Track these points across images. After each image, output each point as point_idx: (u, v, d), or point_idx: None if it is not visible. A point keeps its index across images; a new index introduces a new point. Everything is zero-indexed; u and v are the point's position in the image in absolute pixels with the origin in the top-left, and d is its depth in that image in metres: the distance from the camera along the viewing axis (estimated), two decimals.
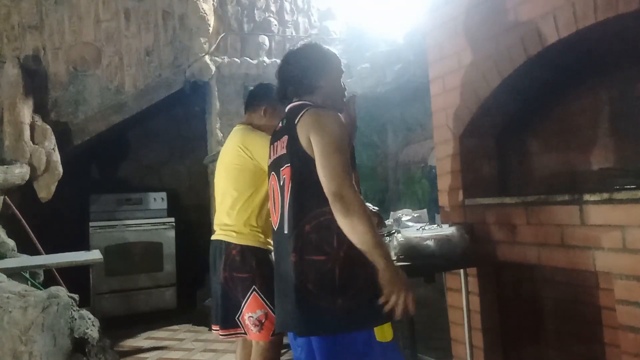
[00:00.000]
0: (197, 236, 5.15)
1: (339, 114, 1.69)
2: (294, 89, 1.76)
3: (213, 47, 4.66)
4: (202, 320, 4.55)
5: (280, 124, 1.79)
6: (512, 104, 2.40)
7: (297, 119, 1.62)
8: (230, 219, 2.31)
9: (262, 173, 2.23)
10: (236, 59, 4.74)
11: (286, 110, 1.76)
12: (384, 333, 1.56)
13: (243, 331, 2.27)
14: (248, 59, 4.77)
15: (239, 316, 2.24)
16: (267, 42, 4.92)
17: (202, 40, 4.57)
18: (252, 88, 2.54)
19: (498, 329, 2.31)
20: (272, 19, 4.99)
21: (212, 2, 4.71)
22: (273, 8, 5.02)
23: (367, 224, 1.47)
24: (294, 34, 5.09)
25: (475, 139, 2.45)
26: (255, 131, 2.34)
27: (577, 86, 2.27)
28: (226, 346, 3.81)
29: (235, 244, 2.27)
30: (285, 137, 1.67)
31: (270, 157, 1.83)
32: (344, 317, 1.51)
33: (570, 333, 2.15)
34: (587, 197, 1.91)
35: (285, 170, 1.65)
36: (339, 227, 1.50)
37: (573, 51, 2.04)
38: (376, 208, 2.61)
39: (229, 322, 2.27)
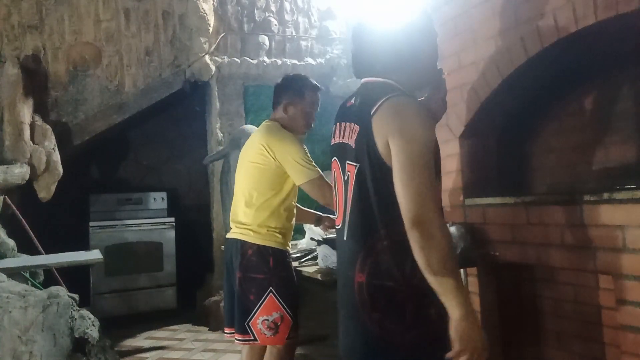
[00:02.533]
0: (197, 236, 5.15)
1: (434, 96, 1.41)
2: (378, 64, 1.40)
3: (213, 47, 4.66)
4: (202, 320, 4.55)
5: (352, 99, 1.47)
6: (512, 104, 2.40)
7: (374, 110, 1.30)
8: (247, 218, 2.21)
9: (284, 174, 2.17)
10: (236, 59, 4.74)
11: (362, 82, 1.45)
12: None
13: (252, 338, 2.16)
14: (248, 58, 4.77)
15: (249, 321, 2.14)
16: (267, 42, 4.92)
17: (202, 40, 4.57)
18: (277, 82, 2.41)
19: (498, 328, 2.31)
20: (272, 19, 4.99)
21: (212, 2, 4.70)
22: (273, 8, 5.02)
23: (448, 262, 1.21)
24: (294, 34, 5.09)
25: (475, 139, 2.45)
26: (281, 130, 2.23)
27: (577, 86, 2.27)
28: (226, 346, 3.81)
29: (252, 244, 2.18)
30: (357, 128, 1.35)
31: (334, 136, 1.51)
32: (413, 356, 1.29)
33: (570, 333, 2.15)
34: (587, 197, 1.91)
35: (351, 168, 1.37)
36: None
37: (573, 51, 2.04)
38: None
39: (240, 327, 2.18)
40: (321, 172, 2.18)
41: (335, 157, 1.49)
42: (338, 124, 1.50)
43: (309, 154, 2.20)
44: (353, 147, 1.36)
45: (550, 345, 2.25)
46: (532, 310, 2.30)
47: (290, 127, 2.27)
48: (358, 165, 1.35)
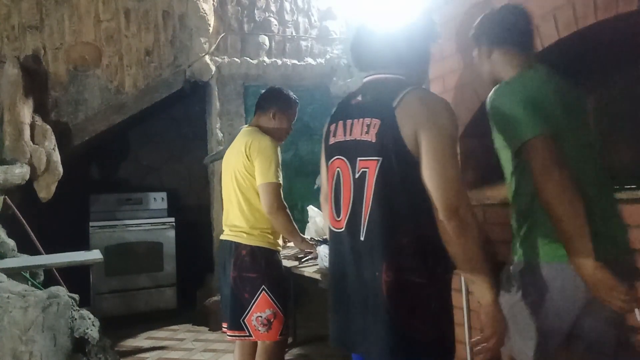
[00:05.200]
0: (197, 236, 5.15)
1: None
2: (383, 58, 1.40)
3: (213, 47, 4.66)
4: (202, 320, 4.55)
5: (359, 97, 1.43)
6: None
7: (397, 102, 1.29)
8: (239, 221, 2.31)
9: None
10: (236, 59, 4.74)
11: (369, 79, 1.44)
12: None
13: (247, 334, 2.26)
14: (248, 59, 4.77)
15: (244, 318, 2.24)
16: (267, 42, 4.92)
17: (202, 40, 4.57)
18: (263, 91, 2.53)
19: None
20: (272, 19, 4.99)
21: (212, 2, 4.70)
22: (273, 8, 5.02)
23: (481, 249, 1.27)
24: (294, 34, 5.09)
25: (475, 139, 2.45)
26: (263, 136, 2.32)
27: (577, 86, 2.27)
28: (226, 346, 3.81)
29: (245, 245, 2.27)
30: (376, 122, 1.31)
31: (334, 136, 1.47)
32: (431, 350, 1.30)
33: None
34: None
35: (370, 164, 1.32)
36: (442, 247, 1.28)
37: (573, 51, 2.04)
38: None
39: (235, 323, 2.27)
40: (281, 185, 2.26)
41: (338, 156, 1.44)
42: (341, 122, 1.45)
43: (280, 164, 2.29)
44: (373, 141, 1.31)
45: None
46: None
47: (273, 133, 2.37)
48: (381, 159, 1.30)
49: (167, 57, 4.57)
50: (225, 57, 4.74)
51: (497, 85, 1.52)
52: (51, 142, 3.93)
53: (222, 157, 4.02)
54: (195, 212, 5.43)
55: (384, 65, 1.41)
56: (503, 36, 1.56)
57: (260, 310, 2.22)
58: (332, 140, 1.48)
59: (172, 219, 5.10)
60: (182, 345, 4.00)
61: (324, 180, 1.58)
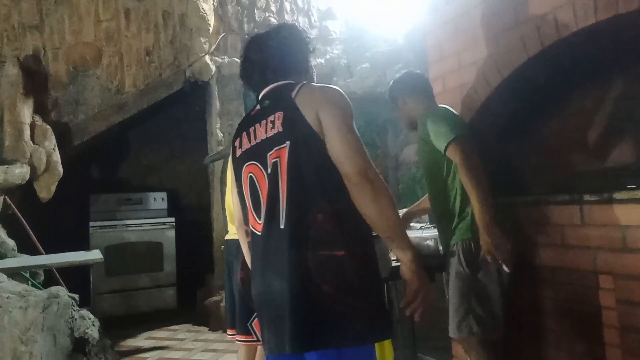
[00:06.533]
0: (197, 236, 5.15)
1: None
2: (278, 70, 1.50)
3: (213, 47, 4.66)
4: (202, 320, 4.54)
5: (257, 107, 1.52)
6: (512, 104, 2.40)
7: (295, 93, 1.39)
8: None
9: None
10: (236, 59, 4.74)
11: (265, 91, 1.51)
12: (384, 353, 1.40)
13: (255, 339, 2.16)
14: None
15: (251, 322, 2.15)
16: None
17: (202, 40, 4.57)
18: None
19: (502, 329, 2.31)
20: (272, 19, 4.99)
21: (212, 2, 4.71)
22: (273, 8, 5.02)
23: (396, 209, 1.31)
24: None
25: (475, 139, 2.45)
26: None
27: (577, 86, 2.27)
28: (226, 346, 3.81)
29: None
30: (279, 114, 1.39)
31: (240, 147, 1.51)
32: (364, 326, 1.28)
33: (570, 333, 2.15)
34: (587, 197, 1.91)
35: (280, 152, 1.36)
36: (359, 216, 1.30)
37: (573, 51, 2.04)
38: None
39: (242, 327, 2.19)
40: None
41: (248, 162, 1.46)
42: (244, 133, 1.50)
43: None
44: (281, 130, 1.37)
45: (550, 345, 2.25)
46: (532, 310, 2.30)
47: None
48: (289, 142, 1.35)
49: (167, 57, 4.57)
50: (225, 57, 4.74)
51: (425, 115, 2.16)
52: (51, 142, 3.93)
53: (222, 157, 4.05)
54: (195, 212, 5.43)
55: (273, 79, 1.50)
56: (412, 88, 2.30)
57: None
58: (238, 153, 1.52)
59: (172, 219, 5.11)
60: (182, 345, 4.00)
61: (236, 204, 1.59)
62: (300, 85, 1.42)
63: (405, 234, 1.34)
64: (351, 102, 1.41)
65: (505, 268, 1.96)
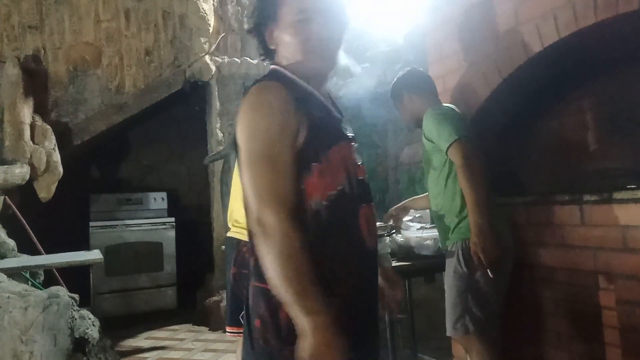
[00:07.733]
0: (197, 236, 5.15)
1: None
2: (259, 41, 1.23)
3: (213, 47, 4.66)
4: (202, 320, 4.54)
5: None
6: (512, 104, 2.40)
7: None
8: (241, 217, 2.27)
9: None
10: (236, 59, 4.74)
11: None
12: None
13: None
14: (248, 59, 4.77)
15: (242, 315, 2.23)
16: None
17: (202, 40, 4.57)
18: None
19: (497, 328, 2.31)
20: None
21: (212, 2, 4.70)
22: None
23: (301, 263, 0.98)
24: None
25: (478, 140, 2.45)
26: None
27: (577, 86, 2.27)
28: (226, 346, 3.81)
29: (246, 242, 2.24)
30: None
31: None
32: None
33: (570, 333, 2.15)
34: (587, 197, 1.91)
35: None
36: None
37: (573, 51, 2.04)
38: None
39: (234, 320, 2.27)
40: None
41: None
42: None
43: None
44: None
45: (550, 345, 2.25)
46: (532, 310, 2.30)
47: None
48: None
49: (167, 57, 4.56)
50: (225, 57, 4.74)
51: (431, 113, 2.13)
52: (51, 142, 3.93)
53: (222, 157, 4.04)
54: (195, 212, 5.43)
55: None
56: (417, 86, 2.29)
57: None
58: None
59: (172, 219, 5.10)
60: (182, 345, 4.00)
61: None
62: (249, 89, 1.12)
63: (306, 299, 0.97)
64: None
65: (489, 273, 1.96)
